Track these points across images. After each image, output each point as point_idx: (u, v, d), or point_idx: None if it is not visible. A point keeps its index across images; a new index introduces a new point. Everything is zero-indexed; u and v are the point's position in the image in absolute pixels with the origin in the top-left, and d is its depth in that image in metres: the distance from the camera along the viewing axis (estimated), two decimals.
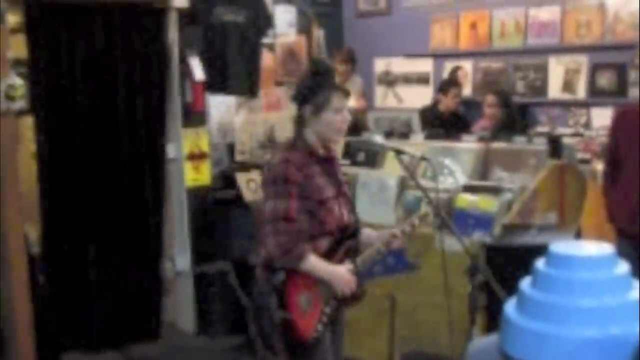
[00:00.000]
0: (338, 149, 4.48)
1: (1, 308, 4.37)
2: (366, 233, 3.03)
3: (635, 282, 1.54)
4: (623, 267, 1.53)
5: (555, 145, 4.23)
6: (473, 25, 6.63)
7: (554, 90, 6.21)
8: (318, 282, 2.81)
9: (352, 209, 3.00)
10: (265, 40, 5.77)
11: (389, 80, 7.26)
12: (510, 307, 1.60)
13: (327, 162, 2.91)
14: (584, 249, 1.55)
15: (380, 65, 7.30)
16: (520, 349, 1.52)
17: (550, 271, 1.52)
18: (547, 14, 6.18)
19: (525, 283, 1.59)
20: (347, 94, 2.90)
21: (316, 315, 2.81)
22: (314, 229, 2.80)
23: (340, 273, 2.83)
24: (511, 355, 1.54)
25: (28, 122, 4.65)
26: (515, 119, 5.50)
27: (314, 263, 2.77)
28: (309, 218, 2.79)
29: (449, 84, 6.18)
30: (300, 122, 2.87)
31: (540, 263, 1.57)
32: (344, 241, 2.90)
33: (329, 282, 2.81)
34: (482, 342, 1.85)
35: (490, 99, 5.48)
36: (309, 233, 2.79)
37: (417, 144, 4.53)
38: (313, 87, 2.84)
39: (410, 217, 3.16)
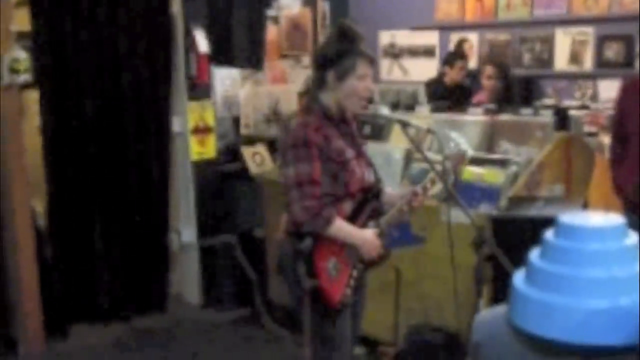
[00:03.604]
0: None
1: (9, 281, 4.40)
2: (388, 193, 3.00)
3: None
4: (632, 238, 1.52)
5: (561, 118, 4.21)
6: None
7: (561, 63, 6.17)
8: (344, 246, 2.77)
9: (374, 170, 2.95)
10: (270, 12, 5.72)
11: (395, 53, 7.22)
12: (518, 278, 1.60)
13: (343, 124, 2.86)
14: (594, 219, 1.54)
15: (385, 37, 7.25)
16: (529, 320, 1.52)
17: (560, 242, 1.51)
18: None
19: (534, 254, 1.58)
20: (372, 61, 2.82)
21: (344, 280, 2.79)
22: (337, 192, 2.76)
23: (368, 237, 2.80)
24: (520, 326, 1.54)
25: (33, 95, 4.64)
26: (514, 91, 5.46)
27: (342, 227, 2.73)
28: (332, 181, 2.74)
29: (454, 57, 6.15)
30: (319, 86, 2.80)
31: (549, 234, 1.56)
32: (367, 203, 2.85)
33: (356, 247, 2.79)
34: (488, 313, 1.85)
35: (488, 70, 5.42)
36: (332, 196, 2.75)
37: (423, 116, 4.51)
38: (339, 51, 2.75)
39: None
